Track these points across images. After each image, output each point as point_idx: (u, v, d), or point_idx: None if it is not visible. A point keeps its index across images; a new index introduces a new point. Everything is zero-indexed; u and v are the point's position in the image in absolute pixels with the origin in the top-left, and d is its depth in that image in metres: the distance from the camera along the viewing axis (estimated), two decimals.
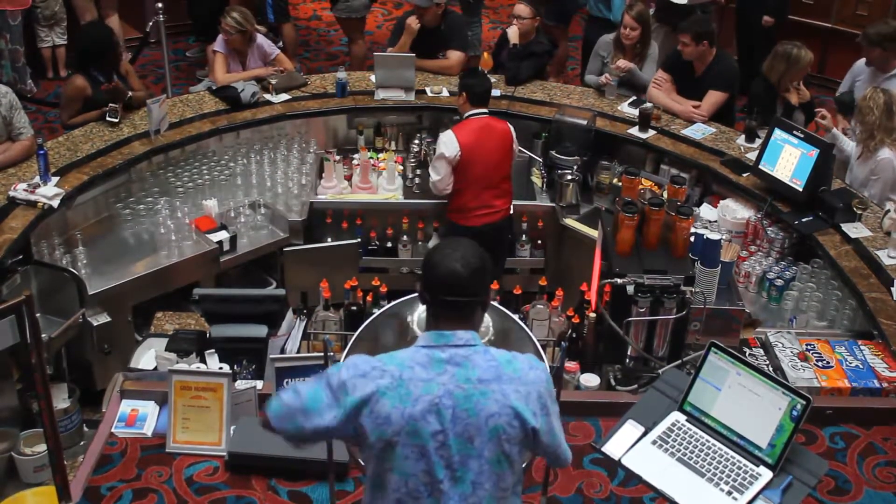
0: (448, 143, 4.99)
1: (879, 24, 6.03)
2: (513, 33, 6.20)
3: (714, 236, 3.82)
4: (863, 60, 6.06)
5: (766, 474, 2.78)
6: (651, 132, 5.67)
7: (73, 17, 7.90)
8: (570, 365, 3.75)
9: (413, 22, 6.16)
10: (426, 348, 2.30)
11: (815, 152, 4.74)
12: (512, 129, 5.15)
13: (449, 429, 2.24)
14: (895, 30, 5.89)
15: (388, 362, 2.29)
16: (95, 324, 4.53)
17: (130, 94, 5.53)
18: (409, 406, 2.23)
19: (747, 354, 3.91)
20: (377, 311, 2.99)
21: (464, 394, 2.24)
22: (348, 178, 5.69)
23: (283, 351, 3.81)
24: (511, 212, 5.30)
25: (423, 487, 2.27)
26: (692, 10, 6.62)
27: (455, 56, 6.31)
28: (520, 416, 2.25)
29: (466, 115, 5.10)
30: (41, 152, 4.80)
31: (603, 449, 2.90)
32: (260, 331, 3.72)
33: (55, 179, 4.85)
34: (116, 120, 5.40)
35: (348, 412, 2.25)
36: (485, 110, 5.11)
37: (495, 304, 2.94)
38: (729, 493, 2.75)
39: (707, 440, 2.89)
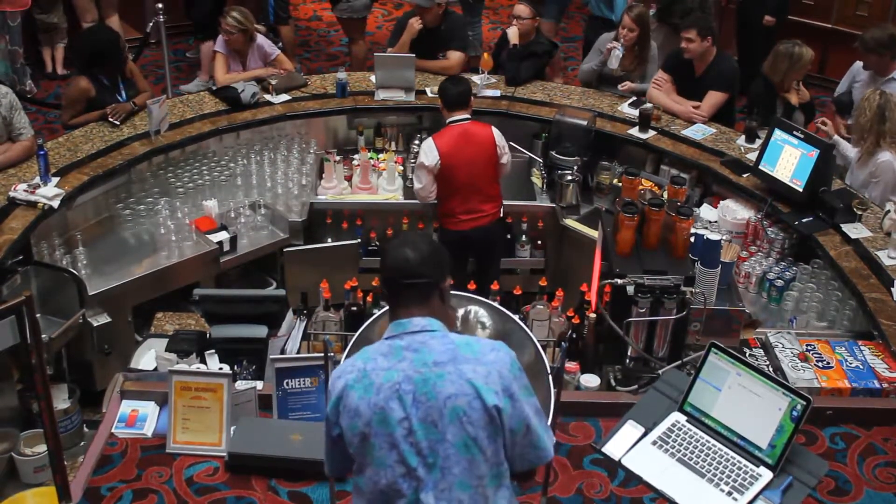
0: (428, 152, 4.99)
1: (875, 29, 6.02)
2: (513, 34, 6.21)
3: (714, 237, 3.83)
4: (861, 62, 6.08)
5: (766, 475, 2.79)
6: (651, 133, 5.67)
7: (73, 18, 7.91)
8: (571, 365, 3.75)
9: (416, 22, 6.16)
10: (388, 339, 2.36)
11: (815, 153, 4.74)
12: (496, 133, 5.11)
13: (412, 414, 2.26)
14: (890, 35, 5.89)
15: (357, 357, 2.36)
16: (95, 324, 4.53)
17: (135, 105, 5.52)
18: (372, 395, 2.27)
19: (747, 355, 3.91)
20: (377, 312, 2.98)
21: (421, 378, 2.27)
22: (348, 179, 5.69)
23: (283, 351, 3.81)
24: (501, 215, 5.30)
25: (401, 478, 2.29)
26: (692, 10, 6.63)
27: (455, 56, 6.31)
28: (479, 394, 2.25)
29: (448, 121, 5.10)
30: (41, 153, 4.80)
31: (603, 449, 2.91)
32: (260, 331, 3.72)
33: (55, 180, 4.85)
34: (118, 123, 5.41)
35: (335, 412, 2.34)
36: (466, 115, 5.09)
37: (495, 304, 2.94)
38: (729, 493, 2.75)
39: (707, 441, 2.89)
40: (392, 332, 2.35)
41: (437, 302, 2.39)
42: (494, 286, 4.20)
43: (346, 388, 2.30)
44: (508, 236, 5.50)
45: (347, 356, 2.54)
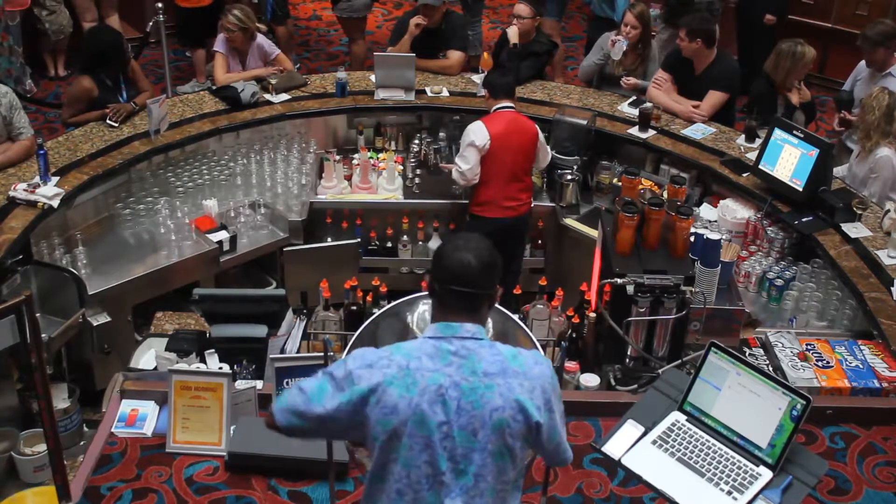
0: (478, 132, 5.00)
1: (875, 24, 6.02)
2: (513, 33, 6.20)
3: (714, 236, 3.83)
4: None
5: (766, 474, 2.79)
6: (651, 132, 5.67)
7: (73, 16, 7.90)
8: (570, 365, 3.75)
9: (416, 23, 6.16)
10: (433, 339, 2.32)
11: (814, 152, 4.74)
12: (539, 129, 5.19)
13: (453, 420, 2.25)
14: (893, 27, 5.91)
15: (395, 352, 2.31)
16: (95, 324, 4.53)
17: (135, 105, 5.52)
18: (415, 395, 2.25)
19: (747, 354, 3.91)
20: (377, 311, 2.99)
21: (469, 386, 2.26)
22: (348, 178, 5.69)
23: (282, 351, 3.81)
24: (532, 205, 5.34)
25: (425, 479, 2.28)
26: (699, 10, 6.61)
27: (455, 56, 6.31)
28: (524, 410, 2.26)
29: (493, 109, 5.13)
30: (41, 152, 4.80)
31: (603, 449, 2.90)
32: (260, 331, 3.72)
33: (55, 179, 4.85)
34: (116, 125, 5.40)
35: (354, 401, 2.27)
36: (511, 105, 5.14)
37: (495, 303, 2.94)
38: (729, 492, 2.75)
39: (707, 440, 2.89)
40: (439, 334, 2.32)
41: (486, 310, 2.38)
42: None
43: (385, 383, 2.26)
44: None
45: (348, 353, 2.53)
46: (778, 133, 4.93)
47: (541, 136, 5.18)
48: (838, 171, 5.31)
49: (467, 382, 2.26)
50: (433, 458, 2.27)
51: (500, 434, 2.26)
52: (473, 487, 2.29)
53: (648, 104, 5.77)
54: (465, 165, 5.05)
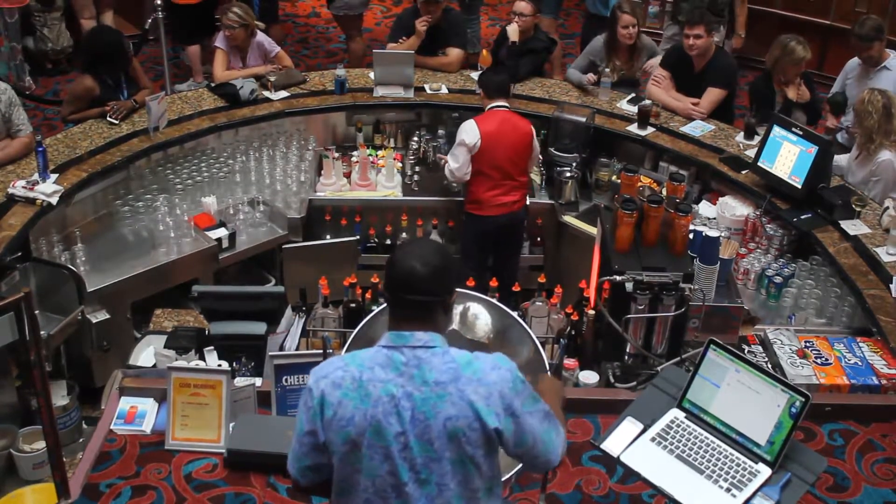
0: (469, 131, 5.03)
1: (864, 21, 5.99)
2: (512, 30, 6.19)
3: (713, 233, 3.82)
4: (855, 60, 6.07)
5: (764, 471, 2.79)
6: (650, 129, 5.67)
7: (72, 16, 7.90)
8: (569, 362, 3.75)
9: (421, 24, 6.15)
10: (386, 349, 2.28)
11: (813, 149, 4.74)
12: (533, 128, 5.20)
13: (409, 430, 2.22)
14: (881, 21, 5.95)
15: (351, 363, 2.29)
16: (94, 321, 4.54)
17: (135, 102, 5.51)
18: (369, 407, 2.22)
19: (746, 352, 3.91)
20: (376, 309, 2.99)
21: (421, 396, 2.22)
22: (347, 176, 5.69)
23: (282, 348, 3.82)
24: (528, 203, 5.35)
25: (390, 488, 2.26)
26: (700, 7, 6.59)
27: (454, 53, 6.31)
28: (479, 417, 2.21)
29: (488, 107, 5.16)
30: (40, 149, 4.80)
31: (602, 446, 2.90)
32: (259, 328, 3.72)
33: (54, 176, 4.85)
34: (117, 122, 5.40)
35: (317, 413, 2.27)
36: (505, 104, 5.17)
37: (494, 300, 2.94)
38: (728, 490, 2.75)
39: (706, 437, 2.89)
40: (391, 343, 2.28)
41: (440, 316, 2.32)
42: (493, 283, 4.20)
43: (339, 394, 2.24)
44: None
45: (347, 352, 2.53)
46: (777, 130, 4.93)
47: (534, 137, 5.20)
48: (838, 159, 5.30)
49: (419, 393, 2.22)
50: (394, 468, 2.24)
51: (457, 443, 2.22)
52: (438, 496, 2.26)
53: (647, 101, 5.77)
54: (455, 164, 5.09)
